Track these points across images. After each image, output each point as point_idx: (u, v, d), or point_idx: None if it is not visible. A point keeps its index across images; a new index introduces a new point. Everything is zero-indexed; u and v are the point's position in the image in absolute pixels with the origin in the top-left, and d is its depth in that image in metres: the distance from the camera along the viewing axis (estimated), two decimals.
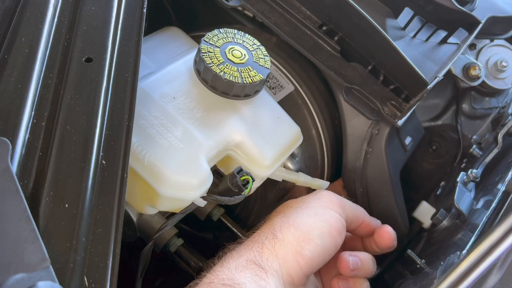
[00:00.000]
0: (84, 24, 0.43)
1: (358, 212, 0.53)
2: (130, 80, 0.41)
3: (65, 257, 0.32)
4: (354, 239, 0.55)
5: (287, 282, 0.42)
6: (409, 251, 0.55)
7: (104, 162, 0.37)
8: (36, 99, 0.38)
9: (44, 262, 0.31)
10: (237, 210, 0.63)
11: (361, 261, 0.48)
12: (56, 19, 0.43)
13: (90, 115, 0.38)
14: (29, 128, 0.37)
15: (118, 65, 0.41)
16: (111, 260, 0.33)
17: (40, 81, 0.39)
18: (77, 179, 0.35)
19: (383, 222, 0.59)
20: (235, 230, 0.58)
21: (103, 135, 0.38)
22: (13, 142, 0.35)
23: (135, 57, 0.42)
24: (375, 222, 0.54)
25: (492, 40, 0.70)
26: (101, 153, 0.37)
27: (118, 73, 0.41)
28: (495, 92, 0.70)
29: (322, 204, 0.47)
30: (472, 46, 0.70)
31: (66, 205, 0.34)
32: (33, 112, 0.37)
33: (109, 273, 0.33)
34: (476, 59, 0.69)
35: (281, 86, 0.59)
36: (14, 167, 0.34)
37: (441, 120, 0.73)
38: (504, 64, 0.68)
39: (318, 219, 0.45)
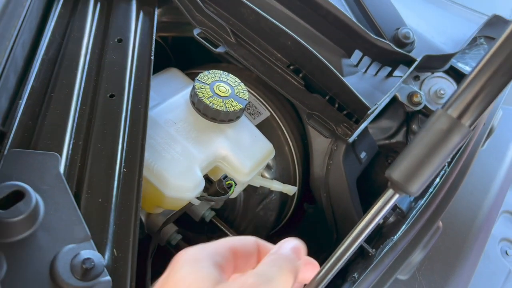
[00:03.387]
0: (107, 69, 0.58)
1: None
2: (142, 110, 0.55)
3: (100, 235, 0.46)
4: None
5: None
6: (363, 243, 0.69)
7: (125, 170, 0.51)
8: (75, 124, 0.52)
9: (87, 237, 0.44)
10: (225, 213, 0.77)
11: None
12: (86, 66, 0.57)
13: (114, 136, 0.52)
14: (70, 146, 0.51)
15: (134, 99, 0.56)
16: (132, 238, 0.47)
17: (77, 112, 0.53)
18: (106, 181, 0.49)
19: (344, 221, 0.73)
20: (224, 229, 0.71)
21: (124, 151, 0.52)
22: (60, 156, 0.49)
23: (146, 93, 0.57)
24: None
25: (432, 73, 0.85)
26: (123, 164, 0.51)
27: (133, 105, 0.56)
28: None
29: None
30: (416, 78, 0.85)
31: (100, 200, 0.48)
32: (73, 134, 0.52)
33: (131, 247, 0.46)
34: (420, 88, 0.84)
35: (259, 113, 0.73)
36: (62, 173, 0.48)
37: (395, 138, 0.88)
38: (442, 92, 0.83)
39: None
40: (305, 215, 0.81)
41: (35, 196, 0.43)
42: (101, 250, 0.45)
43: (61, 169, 0.48)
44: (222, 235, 0.76)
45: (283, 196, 0.74)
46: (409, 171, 0.36)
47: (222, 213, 0.76)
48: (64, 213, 0.44)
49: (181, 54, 0.86)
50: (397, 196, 0.39)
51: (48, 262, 0.41)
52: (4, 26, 0.47)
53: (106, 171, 0.50)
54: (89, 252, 0.42)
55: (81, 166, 0.50)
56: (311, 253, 0.83)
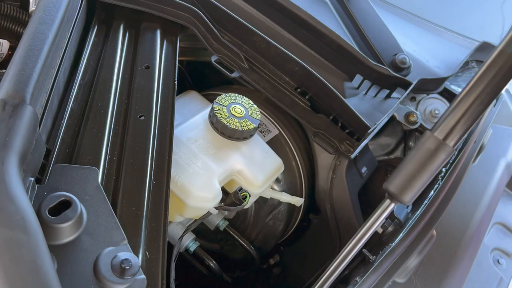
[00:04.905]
0: (137, 93, 0.65)
1: None
2: (168, 129, 0.62)
3: (134, 239, 0.52)
4: None
5: None
6: (364, 250, 0.75)
7: (154, 182, 0.57)
8: (110, 142, 0.59)
9: (123, 240, 0.50)
10: (237, 223, 0.83)
11: None
12: (118, 90, 0.65)
13: (144, 152, 0.59)
14: (106, 161, 0.57)
15: (160, 120, 0.63)
16: (161, 242, 0.54)
17: (111, 131, 0.60)
18: (138, 192, 0.56)
19: (347, 230, 0.80)
20: (237, 238, 0.78)
21: (153, 165, 0.59)
22: (98, 169, 0.56)
23: (171, 114, 0.64)
24: None
25: (428, 94, 0.93)
26: (152, 177, 0.58)
27: (160, 125, 0.63)
28: None
29: None
30: (413, 99, 0.92)
31: (133, 208, 0.54)
32: (108, 151, 0.58)
33: (161, 250, 0.53)
34: (416, 108, 0.92)
35: (269, 130, 0.80)
36: (100, 185, 0.54)
37: (394, 154, 0.95)
38: (436, 112, 0.90)
39: None
40: (310, 225, 0.88)
41: (79, 204, 0.49)
42: (135, 252, 0.51)
43: (100, 181, 0.55)
44: (234, 243, 0.82)
45: (290, 207, 0.80)
46: (403, 184, 0.43)
47: (234, 222, 0.82)
48: (104, 220, 0.51)
49: (195, 76, 0.94)
50: (393, 205, 0.46)
51: (91, 262, 0.48)
52: (52, 57, 0.54)
53: (138, 183, 0.56)
54: (126, 254, 0.49)
55: (116, 179, 0.56)
56: (315, 260, 0.90)
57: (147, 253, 0.52)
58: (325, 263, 0.88)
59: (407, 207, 0.79)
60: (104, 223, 0.51)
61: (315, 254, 0.88)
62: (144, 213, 0.55)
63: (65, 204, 0.49)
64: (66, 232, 0.48)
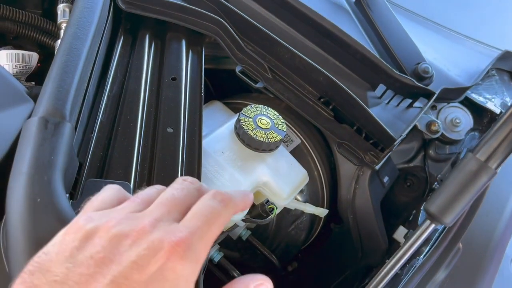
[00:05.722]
0: (164, 105, 0.65)
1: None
2: (197, 141, 0.63)
3: None
4: None
5: None
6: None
7: None
8: (140, 155, 0.59)
9: None
10: (259, 232, 0.83)
11: None
12: (146, 102, 0.65)
13: (174, 165, 0.59)
14: (137, 174, 0.58)
15: (189, 132, 0.63)
16: None
17: (141, 144, 0.60)
18: None
19: (369, 241, 0.80)
20: (259, 247, 0.78)
21: None
22: (129, 183, 0.56)
23: (199, 126, 0.64)
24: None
25: (448, 103, 0.92)
26: None
27: (188, 137, 0.63)
28: (453, 141, 0.92)
29: None
30: (433, 107, 0.92)
31: None
32: (138, 164, 0.59)
33: None
34: (437, 117, 0.91)
35: (291, 140, 0.80)
36: None
37: (413, 163, 0.95)
38: (457, 121, 0.90)
39: None
40: (331, 234, 0.88)
41: None
42: None
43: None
44: (255, 252, 0.82)
45: (312, 216, 0.80)
46: (444, 205, 0.43)
47: (256, 232, 0.82)
48: None
49: (215, 83, 0.94)
50: (433, 225, 0.45)
51: None
52: (85, 71, 0.54)
53: None
54: None
55: None
56: (337, 268, 0.90)
57: None
58: (346, 271, 0.88)
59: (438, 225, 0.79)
60: None
61: (335, 263, 0.88)
62: None
63: None
64: None
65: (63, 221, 0.41)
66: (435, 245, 0.68)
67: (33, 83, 0.69)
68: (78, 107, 0.54)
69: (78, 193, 0.53)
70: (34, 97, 0.58)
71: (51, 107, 0.46)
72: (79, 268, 0.31)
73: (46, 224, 0.41)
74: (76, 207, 0.52)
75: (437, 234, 0.68)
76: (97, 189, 0.55)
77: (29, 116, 0.56)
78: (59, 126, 0.45)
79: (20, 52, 0.67)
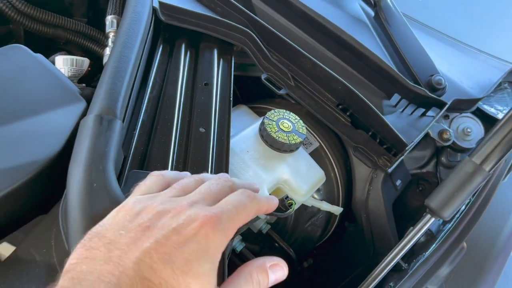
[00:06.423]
0: (198, 108, 0.72)
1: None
2: (225, 141, 0.70)
3: None
4: None
5: None
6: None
7: None
8: (176, 151, 0.67)
9: None
10: (278, 227, 0.90)
11: None
12: (182, 105, 0.72)
13: (205, 162, 0.67)
14: (173, 168, 0.65)
15: (219, 132, 0.70)
16: None
17: (177, 141, 0.68)
18: None
19: (380, 239, 0.85)
20: (277, 240, 0.85)
21: (213, 173, 0.66)
22: None
23: (227, 127, 0.71)
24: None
25: (461, 113, 0.98)
26: None
27: (218, 137, 0.70)
28: (464, 150, 0.97)
29: None
30: (446, 117, 0.97)
31: None
32: (174, 159, 0.66)
33: None
34: (449, 126, 0.97)
35: (311, 143, 0.87)
36: None
37: (426, 168, 1.00)
38: (469, 130, 0.95)
39: None
40: (345, 232, 0.94)
41: None
42: None
43: None
44: (273, 245, 0.89)
45: (328, 214, 0.87)
46: (443, 201, 0.49)
47: (275, 226, 0.89)
48: None
49: (241, 89, 1.01)
50: (433, 219, 0.52)
51: None
52: (131, 75, 0.62)
53: None
54: None
55: None
56: (349, 265, 0.96)
57: None
58: (357, 269, 0.94)
59: (438, 220, 0.85)
60: None
61: (348, 260, 0.94)
62: None
63: None
64: None
65: (115, 203, 0.48)
66: (439, 242, 0.73)
67: (84, 84, 0.78)
68: (125, 107, 0.62)
69: (122, 182, 0.60)
70: (85, 97, 0.67)
71: (105, 106, 0.54)
72: (129, 233, 0.38)
73: (101, 205, 0.49)
74: (125, 193, 0.59)
75: (442, 233, 0.74)
76: (138, 179, 0.63)
77: (82, 113, 0.64)
78: (111, 123, 0.53)
79: (74, 57, 0.76)
